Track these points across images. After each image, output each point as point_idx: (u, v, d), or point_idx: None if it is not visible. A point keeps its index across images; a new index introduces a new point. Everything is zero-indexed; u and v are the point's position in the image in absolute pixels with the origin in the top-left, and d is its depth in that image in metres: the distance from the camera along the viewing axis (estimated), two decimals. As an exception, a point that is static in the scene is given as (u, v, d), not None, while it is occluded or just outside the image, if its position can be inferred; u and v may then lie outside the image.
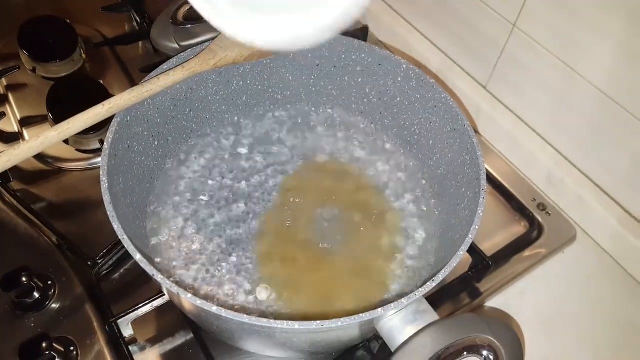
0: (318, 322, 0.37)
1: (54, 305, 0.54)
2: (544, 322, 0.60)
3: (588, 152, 0.65)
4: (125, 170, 0.49)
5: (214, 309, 0.37)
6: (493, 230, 0.65)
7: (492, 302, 0.61)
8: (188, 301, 0.37)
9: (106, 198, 0.42)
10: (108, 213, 0.41)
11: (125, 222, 0.42)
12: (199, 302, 0.37)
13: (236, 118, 0.65)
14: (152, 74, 0.51)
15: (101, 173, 0.44)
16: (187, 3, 0.75)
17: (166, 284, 0.38)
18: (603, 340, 0.59)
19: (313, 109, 0.67)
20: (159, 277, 0.38)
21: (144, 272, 0.57)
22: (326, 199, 0.59)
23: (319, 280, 0.53)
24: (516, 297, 0.61)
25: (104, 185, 0.43)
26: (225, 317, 0.37)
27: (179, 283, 0.51)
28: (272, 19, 0.36)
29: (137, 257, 0.39)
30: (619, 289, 0.64)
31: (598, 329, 0.60)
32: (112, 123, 0.48)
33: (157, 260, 0.53)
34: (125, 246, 0.39)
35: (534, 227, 0.65)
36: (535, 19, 0.63)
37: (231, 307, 0.49)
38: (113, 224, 0.41)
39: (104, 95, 0.69)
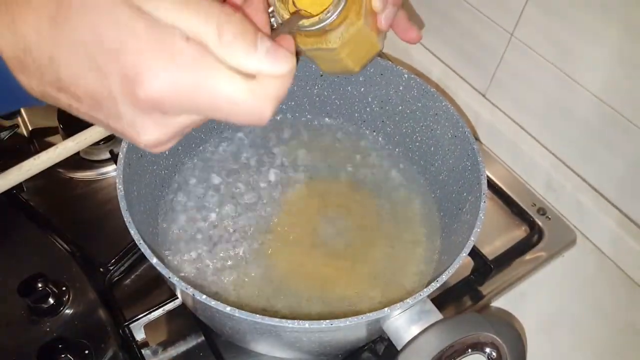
0: (327, 321, 0.39)
1: (68, 311, 0.55)
2: (544, 325, 0.61)
3: (586, 157, 0.66)
4: (138, 179, 0.51)
5: (228, 309, 0.38)
6: (494, 234, 0.66)
7: (494, 305, 0.62)
8: (202, 302, 0.39)
9: (122, 205, 0.43)
10: (125, 219, 0.42)
11: (139, 228, 0.43)
12: (214, 303, 0.38)
13: (243, 127, 0.66)
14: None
15: (117, 181, 0.45)
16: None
17: (181, 286, 0.39)
18: (603, 342, 0.60)
19: (317, 118, 0.68)
20: (174, 279, 0.39)
21: (154, 278, 0.60)
22: (330, 206, 0.61)
23: (324, 283, 0.55)
24: (517, 300, 0.62)
25: (120, 193, 0.44)
26: (239, 317, 0.38)
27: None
28: None
29: (154, 260, 0.40)
30: (618, 291, 0.64)
31: (598, 331, 0.61)
32: (126, 133, 0.49)
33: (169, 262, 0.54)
34: (142, 250, 0.41)
35: (534, 231, 0.67)
36: (532, 28, 0.65)
37: (242, 309, 0.50)
38: (130, 229, 0.42)
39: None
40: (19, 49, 0.27)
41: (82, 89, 0.27)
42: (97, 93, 0.27)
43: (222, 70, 0.27)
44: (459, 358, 0.42)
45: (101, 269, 0.58)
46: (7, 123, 0.72)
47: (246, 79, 0.28)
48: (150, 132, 0.29)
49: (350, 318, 0.39)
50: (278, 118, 0.68)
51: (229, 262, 0.55)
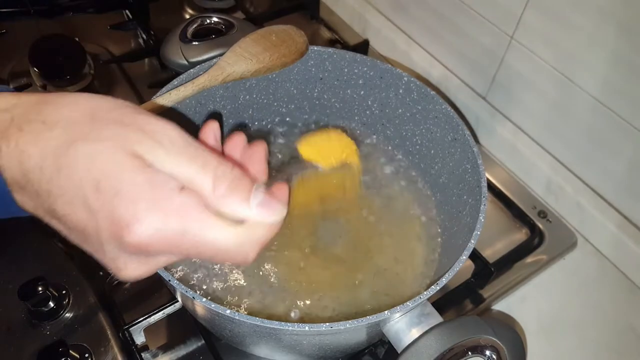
0: (327, 324, 0.39)
1: (68, 314, 0.55)
2: (545, 327, 0.61)
3: (586, 160, 0.67)
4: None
5: (228, 312, 0.38)
6: (495, 237, 0.67)
7: (495, 308, 0.62)
8: (202, 305, 0.39)
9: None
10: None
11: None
12: (213, 306, 0.38)
13: (242, 130, 0.66)
14: (163, 89, 0.53)
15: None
16: (195, 21, 0.77)
17: (181, 289, 0.39)
18: (604, 344, 0.60)
19: (317, 121, 0.68)
20: (174, 282, 0.39)
21: (154, 281, 0.59)
22: (330, 209, 0.61)
23: (323, 286, 0.55)
24: (518, 303, 0.63)
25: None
26: (239, 320, 0.38)
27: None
28: None
29: (153, 263, 0.40)
30: (619, 293, 0.65)
31: (599, 333, 0.61)
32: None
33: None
34: (142, 253, 0.41)
35: (534, 234, 0.67)
36: (531, 31, 0.65)
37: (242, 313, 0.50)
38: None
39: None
40: (21, 176, 0.29)
41: (74, 222, 0.29)
42: (86, 229, 0.29)
43: (210, 219, 0.29)
44: (459, 361, 0.42)
45: (101, 273, 0.58)
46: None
47: (234, 225, 0.30)
48: (132, 270, 0.31)
49: (350, 321, 0.39)
50: (277, 120, 0.68)
51: (228, 265, 0.55)
